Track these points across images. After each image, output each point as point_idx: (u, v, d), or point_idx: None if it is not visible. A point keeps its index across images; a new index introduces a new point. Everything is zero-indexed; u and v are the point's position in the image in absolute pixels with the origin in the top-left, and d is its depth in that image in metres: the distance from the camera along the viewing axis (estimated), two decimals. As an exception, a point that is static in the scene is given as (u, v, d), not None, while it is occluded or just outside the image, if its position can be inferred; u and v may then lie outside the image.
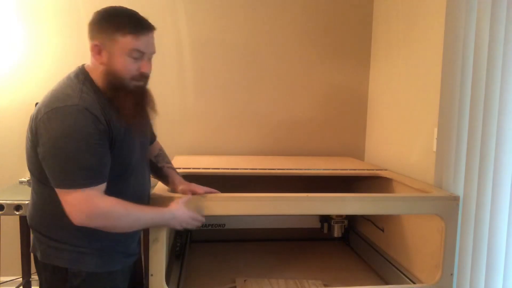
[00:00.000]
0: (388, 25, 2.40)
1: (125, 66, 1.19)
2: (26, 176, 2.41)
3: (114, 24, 1.18)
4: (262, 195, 1.43)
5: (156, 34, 1.30)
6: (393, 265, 1.87)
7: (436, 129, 1.80)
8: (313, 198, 1.45)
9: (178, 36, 2.49)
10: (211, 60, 2.53)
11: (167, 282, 1.48)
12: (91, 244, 1.23)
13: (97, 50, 1.19)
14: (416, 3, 2.06)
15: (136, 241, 1.41)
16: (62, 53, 2.43)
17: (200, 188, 1.46)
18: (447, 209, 1.50)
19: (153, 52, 1.26)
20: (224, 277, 1.89)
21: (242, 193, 1.43)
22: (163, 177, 1.57)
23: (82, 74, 1.23)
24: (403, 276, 1.76)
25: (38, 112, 1.16)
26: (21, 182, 2.32)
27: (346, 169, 2.06)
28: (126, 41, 1.17)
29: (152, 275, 1.42)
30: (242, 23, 2.53)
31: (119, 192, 1.21)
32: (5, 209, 1.93)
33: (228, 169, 1.97)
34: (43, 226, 1.23)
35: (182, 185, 1.50)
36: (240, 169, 1.98)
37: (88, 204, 1.12)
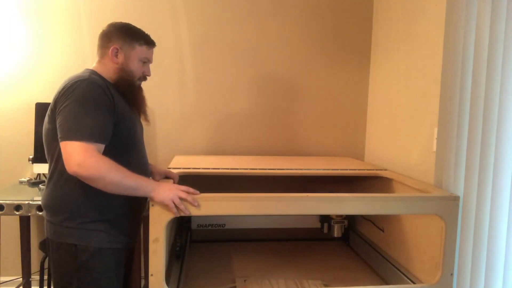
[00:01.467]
0: (388, 25, 2.40)
1: (137, 68, 1.53)
2: (26, 176, 2.42)
3: (134, 35, 1.51)
4: (262, 195, 1.43)
5: (156, 35, 1.62)
6: (393, 265, 1.87)
7: (436, 129, 1.80)
8: (313, 198, 1.45)
9: (178, 37, 2.49)
10: (211, 60, 2.53)
11: (167, 282, 1.48)
12: (96, 221, 1.40)
13: (115, 52, 1.48)
14: (416, 3, 2.06)
15: (128, 221, 1.51)
16: (62, 54, 2.43)
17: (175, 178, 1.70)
18: (447, 209, 1.50)
19: (152, 62, 1.61)
20: (224, 277, 1.89)
21: (242, 193, 1.43)
22: None
23: (87, 69, 1.47)
24: (403, 276, 1.76)
25: (56, 94, 1.38)
26: (21, 182, 2.33)
27: (346, 169, 2.06)
28: (142, 50, 1.52)
29: (152, 275, 1.42)
30: (242, 24, 2.53)
31: (125, 161, 1.38)
32: (5, 209, 1.93)
33: (228, 169, 1.97)
34: (55, 207, 1.40)
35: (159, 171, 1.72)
36: (240, 169, 1.98)
37: (84, 153, 1.27)
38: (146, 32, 1.56)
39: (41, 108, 2.30)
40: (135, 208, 1.53)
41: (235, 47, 2.54)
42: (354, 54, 2.63)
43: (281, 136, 2.62)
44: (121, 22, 1.53)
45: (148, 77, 1.59)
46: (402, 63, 2.20)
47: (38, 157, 2.29)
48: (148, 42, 1.54)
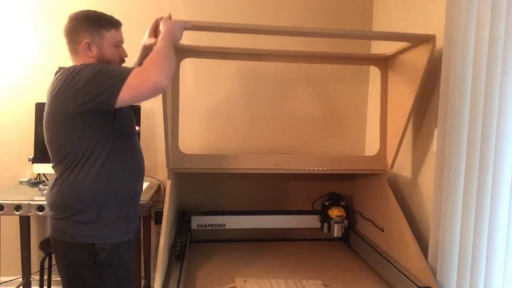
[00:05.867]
0: (388, 24, 2.40)
1: (113, 54, 1.49)
2: (26, 176, 2.42)
3: (99, 22, 1.46)
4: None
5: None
6: (393, 265, 1.87)
7: (436, 129, 1.80)
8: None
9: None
10: (211, 60, 2.53)
11: (167, 282, 1.49)
12: (112, 217, 1.42)
13: (87, 47, 1.44)
14: (416, 3, 2.06)
15: (135, 208, 1.56)
16: (63, 54, 2.43)
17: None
18: None
19: (124, 42, 1.56)
20: (224, 277, 1.89)
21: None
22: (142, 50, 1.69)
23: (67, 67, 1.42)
24: (403, 276, 1.76)
25: (56, 84, 1.37)
26: (21, 182, 2.32)
27: (346, 169, 2.07)
28: (111, 35, 1.48)
29: None
30: (242, 23, 2.53)
31: (130, 147, 1.46)
32: (5, 209, 1.94)
33: (228, 169, 1.98)
34: (70, 209, 1.38)
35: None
36: (241, 168, 1.99)
37: (141, 72, 1.31)
38: (108, 14, 1.51)
39: (41, 108, 2.30)
40: (139, 193, 1.57)
41: (235, 46, 2.54)
42: (354, 54, 2.62)
43: (281, 136, 2.62)
44: (80, 12, 1.47)
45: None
46: (402, 63, 2.20)
47: (38, 157, 2.29)
48: (114, 24, 1.49)
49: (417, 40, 1.82)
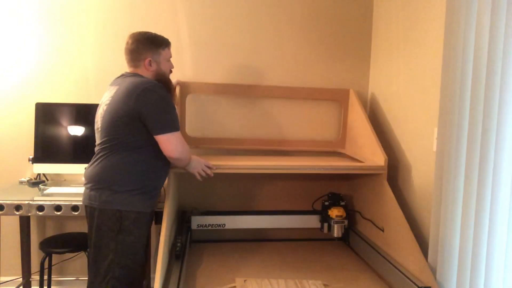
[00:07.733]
0: (388, 25, 2.41)
1: (168, 68, 1.89)
2: (26, 176, 2.43)
3: (157, 43, 1.82)
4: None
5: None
6: (393, 265, 1.87)
7: (436, 129, 1.81)
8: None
9: (178, 37, 2.49)
10: (211, 60, 2.53)
11: (167, 282, 1.48)
12: (141, 188, 1.70)
13: (149, 63, 1.79)
14: (416, 3, 2.06)
15: (159, 188, 1.83)
16: (63, 54, 2.43)
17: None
18: None
19: (172, 57, 1.95)
20: (224, 277, 1.89)
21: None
22: None
23: (139, 75, 1.78)
24: (403, 276, 1.76)
25: (128, 91, 1.65)
26: (21, 182, 2.33)
27: (346, 167, 2.07)
28: (166, 52, 1.86)
29: None
30: (241, 23, 2.53)
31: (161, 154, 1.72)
32: (5, 209, 1.94)
33: (228, 168, 1.97)
34: (107, 181, 1.67)
35: None
36: (241, 168, 1.98)
37: (183, 141, 1.74)
38: (160, 35, 1.84)
39: (41, 108, 2.30)
40: (165, 177, 1.86)
41: (234, 46, 2.54)
42: (354, 54, 2.63)
43: (281, 135, 2.62)
44: (139, 35, 1.79)
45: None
46: (402, 63, 2.21)
47: (38, 157, 2.29)
48: (168, 43, 1.86)
49: (332, 95, 2.23)
